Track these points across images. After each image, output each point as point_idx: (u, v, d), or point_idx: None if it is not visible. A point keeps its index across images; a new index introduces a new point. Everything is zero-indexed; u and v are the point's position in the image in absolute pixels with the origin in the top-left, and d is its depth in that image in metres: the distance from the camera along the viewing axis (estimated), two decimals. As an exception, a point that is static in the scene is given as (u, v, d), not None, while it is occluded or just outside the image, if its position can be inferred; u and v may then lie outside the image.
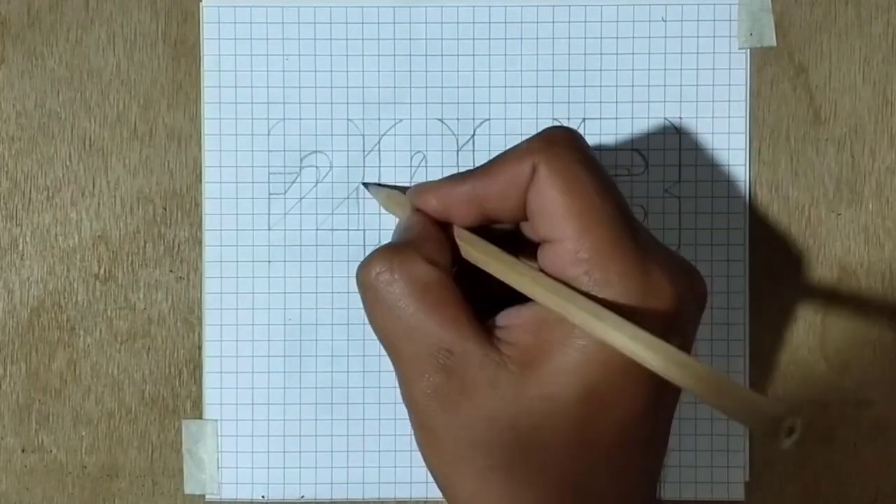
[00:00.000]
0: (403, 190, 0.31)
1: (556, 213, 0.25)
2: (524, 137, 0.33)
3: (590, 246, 0.25)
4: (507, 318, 0.26)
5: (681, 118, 0.33)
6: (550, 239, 0.25)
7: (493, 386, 0.25)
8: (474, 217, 0.27)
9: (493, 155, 0.30)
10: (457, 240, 0.28)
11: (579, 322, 0.24)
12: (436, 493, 0.33)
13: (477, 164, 0.33)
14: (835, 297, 0.33)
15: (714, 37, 0.33)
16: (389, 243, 0.27)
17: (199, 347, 0.33)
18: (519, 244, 0.28)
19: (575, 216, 0.25)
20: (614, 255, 0.24)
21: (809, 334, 0.33)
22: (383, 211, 0.33)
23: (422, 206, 0.28)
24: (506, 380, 0.25)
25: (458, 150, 0.33)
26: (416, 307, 0.26)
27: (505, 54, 0.33)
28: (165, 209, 0.33)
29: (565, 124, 0.33)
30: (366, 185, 0.33)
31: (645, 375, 0.24)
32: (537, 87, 0.33)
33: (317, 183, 0.33)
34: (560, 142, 0.26)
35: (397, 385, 0.27)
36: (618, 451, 0.26)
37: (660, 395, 0.26)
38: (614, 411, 0.25)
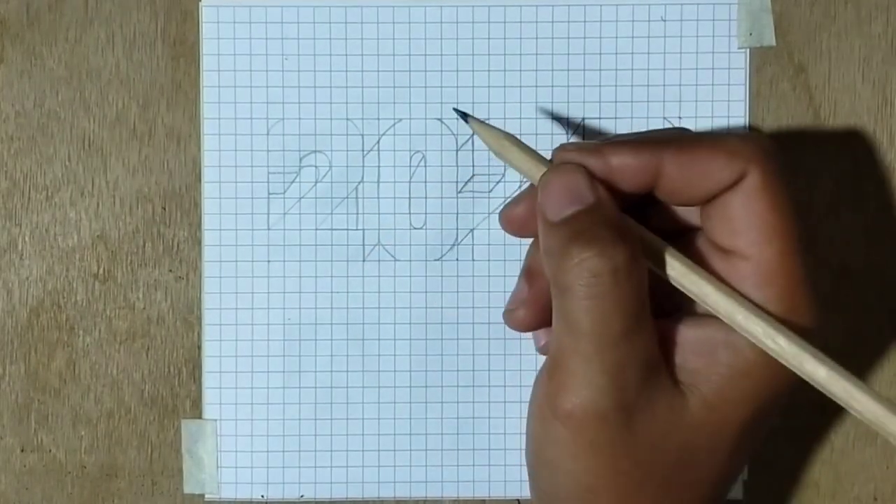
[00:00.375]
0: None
1: (761, 229, 0.24)
2: (524, 137, 0.33)
3: (786, 274, 0.24)
4: (676, 336, 0.25)
5: (680, 118, 0.33)
6: (741, 253, 0.24)
7: (671, 408, 0.24)
8: (641, 188, 0.25)
9: (493, 155, 0.29)
10: (667, 257, 0.25)
11: (783, 354, 0.23)
12: (435, 493, 0.33)
13: (476, 164, 0.33)
14: (835, 297, 0.33)
15: (714, 36, 0.33)
16: (618, 233, 0.24)
17: (199, 347, 0.33)
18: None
19: (779, 240, 0.24)
20: (804, 288, 0.24)
21: (809, 334, 0.33)
22: (384, 210, 0.33)
23: (590, 166, 0.25)
24: (681, 403, 0.24)
25: (457, 150, 0.33)
26: (640, 310, 0.24)
27: (505, 54, 0.33)
28: (165, 209, 0.33)
29: (565, 124, 0.33)
30: (465, 115, 0.29)
31: (773, 410, 0.24)
32: (537, 87, 0.33)
33: (316, 182, 0.33)
34: (772, 154, 0.25)
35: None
36: (744, 461, 0.26)
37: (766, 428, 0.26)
38: (762, 429, 0.25)
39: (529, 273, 0.29)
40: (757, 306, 0.24)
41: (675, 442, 0.24)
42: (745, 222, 0.24)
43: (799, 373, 0.24)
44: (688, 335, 0.25)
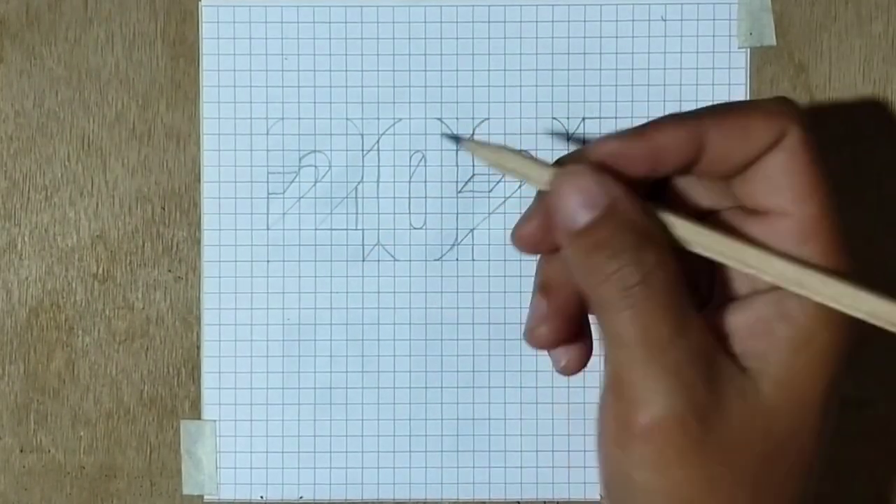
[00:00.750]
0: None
1: (800, 187, 0.23)
2: (524, 137, 0.33)
3: (828, 227, 0.23)
4: (727, 324, 0.24)
5: (680, 118, 0.33)
6: (780, 210, 0.24)
7: (744, 397, 0.23)
8: (686, 160, 0.24)
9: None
10: (671, 227, 0.24)
11: (840, 299, 0.23)
12: (435, 494, 0.33)
13: (476, 165, 0.33)
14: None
15: (714, 36, 0.33)
16: (636, 232, 0.23)
17: (198, 347, 0.33)
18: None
19: (819, 196, 0.23)
20: (844, 242, 0.24)
21: (809, 334, 0.33)
22: (384, 210, 0.33)
23: (619, 153, 0.24)
24: (753, 389, 0.23)
25: (457, 150, 0.33)
26: (681, 309, 0.23)
27: (504, 54, 0.33)
28: (164, 209, 0.33)
29: (565, 124, 0.33)
30: (457, 139, 0.29)
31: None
32: (537, 86, 0.33)
33: (315, 182, 0.33)
34: (803, 115, 0.24)
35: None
36: (825, 442, 0.25)
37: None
38: (836, 401, 0.24)
39: (545, 287, 0.27)
40: (803, 261, 0.23)
41: (757, 432, 0.24)
42: (786, 179, 0.24)
43: (859, 314, 0.23)
44: (739, 320, 0.24)
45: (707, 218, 0.26)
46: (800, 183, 0.24)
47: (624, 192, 0.24)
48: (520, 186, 0.33)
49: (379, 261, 0.33)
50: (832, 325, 0.23)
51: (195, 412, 0.34)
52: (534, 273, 0.26)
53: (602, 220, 0.23)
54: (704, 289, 0.26)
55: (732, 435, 0.24)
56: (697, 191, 0.26)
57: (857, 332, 0.24)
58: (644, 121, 0.33)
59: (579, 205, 0.24)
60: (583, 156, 0.25)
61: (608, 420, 0.24)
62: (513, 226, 0.26)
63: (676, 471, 0.24)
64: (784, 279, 0.24)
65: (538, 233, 0.26)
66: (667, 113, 0.30)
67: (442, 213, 0.33)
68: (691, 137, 0.24)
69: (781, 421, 0.24)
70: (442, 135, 0.33)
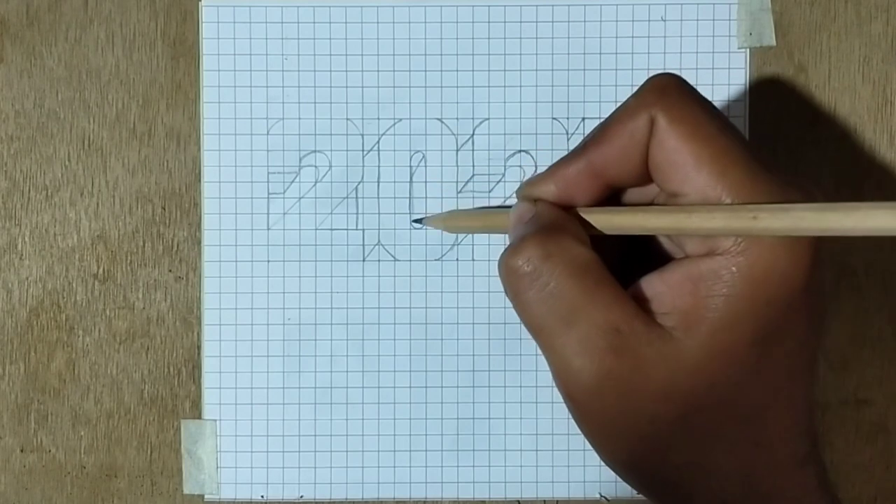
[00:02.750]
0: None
1: (685, 162, 0.24)
2: (524, 137, 0.33)
3: (730, 189, 0.23)
4: (652, 287, 0.25)
5: (680, 118, 0.33)
6: (682, 192, 0.24)
7: (666, 357, 0.24)
8: (598, 191, 0.26)
9: (493, 154, 0.30)
10: (586, 217, 0.26)
11: (790, 226, 0.22)
12: (435, 493, 0.33)
13: (476, 164, 0.33)
14: (835, 297, 0.33)
15: (714, 36, 0.33)
16: (532, 231, 0.25)
17: (198, 347, 0.33)
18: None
19: (707, 162, 0.24)
20: (757, 192, 0.23)
21: (809, 334, 0.33)
22: (384, 210, 0.33)
23: (539, 195, 0.27)
24: (675, 350, 0.24)
25: (457, 150, 0.33)
26: (579, 289, 0.24)
27: (504, 54, 0.33)
28: (164, 209, 0.33)
29: (565, 124, 0.33)
30: (419, 221, 0.33)
31: (806, 303, 0.24)
32: (537, 86, 0.33)
33: (316, 182, 0.33)
34: (673, 89, 0.25)
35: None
36: (790, 383, 0.25)
37: (819, 319, 0.25)
38: (784, 345, 0.24)
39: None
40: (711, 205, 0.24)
41: (684, 388, 0.24)
42: (669, 163, 0.24)
43: (780, 232, 0.23)
44: (667, 280, 0.25)
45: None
46: (680, 163, 0.24)
47: (544, 204, 0.26)
48: (520, 187, 0.33)
49: (379, 261, 0.33)
50: (757, 279, 0.24)
51: (196, 412, 0.34)
52: None
53: (515, 226, 0.27)
54: (657, 261, 0.27)
55: (656, 395, 0.24)
56: (646, 190, 0.27)
57: (797, 283, 0.24)
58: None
59: (518, 226, 0.27)
60: (522, 194, 0.28)
61: (556, 370, 0.26)
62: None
63: (610, 432, 0.25)
64: (690, 227, 0.24)
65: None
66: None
67: (442, 213, 0.33)
68: (583, 172, 0.26)
69: (709, 375, 0.24)
70: (412, 221, 0.33)
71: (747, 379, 0.24)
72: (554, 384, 0.26)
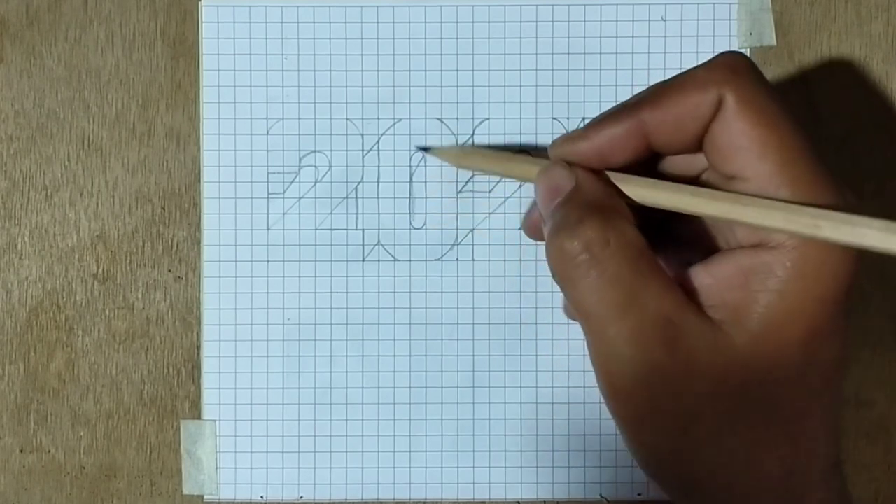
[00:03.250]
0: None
1: (750, 147, 0.23)
2: (524, 137, 0.33)
3: (792, 182, 0.23)
4: (700, 279, 0.25)
5: (680, 118, 0.33)
6: (741, 176, 0.24)
7: (715, 352, 0.24)
8: (638, 153, 0.25)
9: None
10: (625, 187, 0.25)
11: (852, 240, 0.22)
12: (435, 494, 0.33)
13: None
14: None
15: (714, 36, 0.33)
16: (587, 212, 0.24)
17: (198, 347, 0.33)
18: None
19: (773, 151, 0.23)
20: (817, 190, 0.23)
21: (810, 334, 0.33)
22: (384, 210, 0.33)
23: (575, 153, 0.26)
24: (725, 344, 0.24)
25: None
26: (635, 277, 0.24)
27: (504, 54, 0.33)
28: (164, 209, 0.33)
29: (565, 124, 0.33)
30: (425, 149, 0.32)
31: (847, 304, 0.23)
32: (537, 86, 0.33)
33: (316, 182, 0.33)
34: (745, 71, 0.24)
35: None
36: (827, 386, 0.24)
37: (849, 324, 0.25)
38: (828, 346, 0.24)
39: None
40: (769, 198, 0.23)
41: (734, 382, 0.24)
42: (733, 146, 0.24)
43: (833, 239, 0.23)
44: (718, 272, 0.24)
45: (697, 183, 0.26)
46: (747, 146, 0.24)
47: (585, 174, 0.25)
48: (520, 186, 0.33)
49: (379, 261, 0.33)
50: (809, 276, 0.23)
51: (195, 412, 0.34)
52: (550, 274, 0.26)
53: (563, 202, 0.25)
54: (700, 245, 0.26)
55: (705, 388, 0.24)
56: (685, 159, 0.26)
57: (844, 284, 0.24)
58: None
59: (551, 194, 0.26)
60: (553, 152, 0.27)
61: (596, 379, 0.25)
62: (519, 221, 0.26)
63: (653, 426, 0.24)
64: (750, 220, 0.23)
65: (539, 221, 0.27)
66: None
67: (442, 213, 0.33)
68: (631, 130, 0.25)
69: (758, 372, 0.24)
70: (417, 147, 0.33)
71: (794, 378, 0.24)
72: (593, 371, 0.25)
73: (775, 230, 0.23)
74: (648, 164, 0.27)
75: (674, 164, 0.27)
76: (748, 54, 0.33)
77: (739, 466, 0.24)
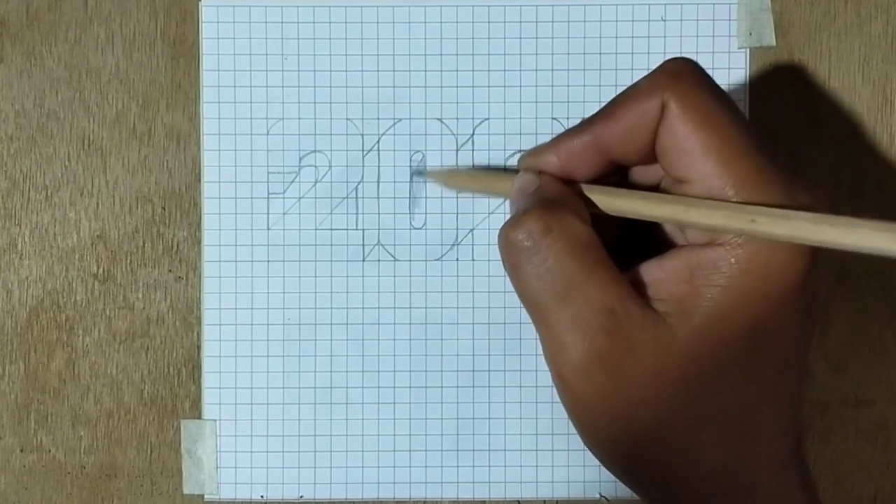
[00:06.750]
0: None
1: (693, 150, 0.24)
2: (524, 137, 0.33)
3: (735, 180, 0.24)
4: (650, 273, 0.25)
5: (680, 118, 0.33)
6: (688, 178, 0.24)
7: (658, 342, 0.24)
8: (599, 166, 0.26)
9: (493, 154, 0.30)
10: (588, 194, 0.26)
11: (787, 233, 0.23)
12: (435, 494, 0.33)
13: (476, 164, 0.33)
14: (835, 298, 0.33)
15: (713, 36, 0.33)
16: (534, 204, 0.26)
17: (198, 347, 0.33)
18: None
19: (714, 151, 0.24)
20: (761, 186, 0.24)
21: (809, 334, 0.33)
22: (384, 210, 0.33)
23: (542, 166, 0.27)
24: (667, 335, 0.24)
25: (457, 150, 0.33)
26: (577, 267, 0.24)
27: (504, 54, 0.33)
28: (164, 209, 0.33)
29: (565, 124, 0.33)
30: (421, 174, 0.33)
31: (801, 301, 0.24)
32: (537, 86, 0.33)
33: (316, 182, 0.33)
34: (687, 74, 0.25)
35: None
36: (779, 381, 0.25)
37: (812, 320, 0.25)
38: (777, 342, 0.24)
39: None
40: (716, 199, 0.24)
41: (676, 375, 0.24)
42: (677, 149, 0.24)
43: (773, 237, 0.23)
44: (666, 266, 0.25)
45: (657, 191, 0.27)
46: (689, 149, 0.24)
47: (548, 178, 0.26)
48: (522, 157, 0.33)
49: (379, 261, 0.33)
50: (755, 273, 0.24)
51: (195, 412, 0.34)
52: None
53: (517, 198, 0.27)
54: (658, 247, 0.27)
55: (646, 380, 0.24)
56: (648, 169, 0.27)
57: (793, 281, 0.24)
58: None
59: (520, 198, 0.27)
60: (524, 165, 0.28)
61: (547, 348, 0.26)
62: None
63: (596, 414, 0.25)
64: (687, 221, 0.24)
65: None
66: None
67: (442, 213, 0.33)
68: (587, 145, 0.26)
69: (700, 365, 0.24)
70: (413, 172, 0.33)
71: (738, 372, 0.24)
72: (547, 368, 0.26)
73: (718, 229, 0.24)
74: (620, 177, 0.28)
75: (639, 174, 0.27)
76: (748, 54, 0.33)
77: (684, 458, 0.25)
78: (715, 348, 0.24)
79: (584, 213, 0.26)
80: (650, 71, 0.25)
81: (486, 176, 0.31)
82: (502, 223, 0.33)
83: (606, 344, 0.24)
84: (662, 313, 0.24)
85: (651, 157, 0.26)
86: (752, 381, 0.25)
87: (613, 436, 0.25)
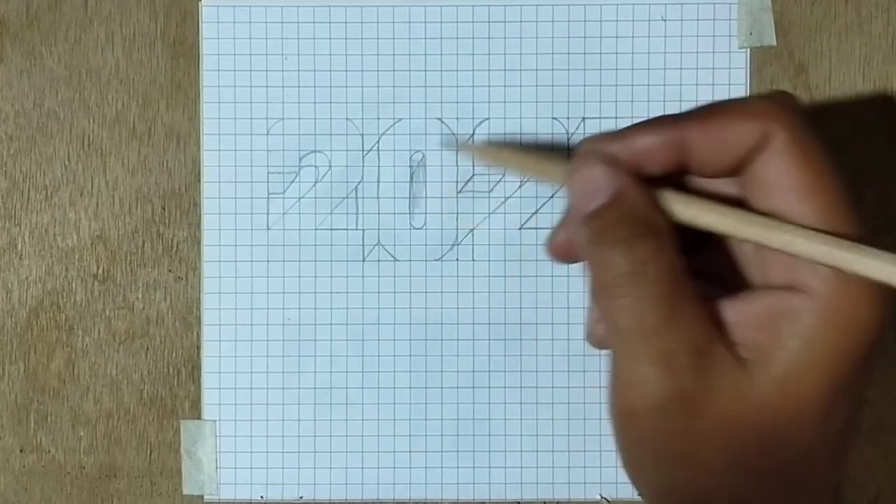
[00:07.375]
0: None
1: (792, 188, 0.23)
2: (524, 137, 0.33)
3: (829, 226, 0.23)
4: (729, 314, 0.24)
5: (680, 118, 0.33)
6: (779, 213, 0.24)
7: (738, 388, 0.23)
8: (668, 166, 0.25)
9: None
10: (677, 206, 0.25)
11: (879, 275, 0.22)
12: (435, 494, 0.33)
13: (476, 165, 0.33)
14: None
15: (714, 36, 0.33)
16: (631, 228, 0.24)
17: (198, 347, 0.33)
18: None
19: (817, 194, 0.23)
20: (852, 233, 0.23)
21: (810, 334, 0.33)
22: (384, 210, 0.33)
23: (609, 158, 0.25)
24: (748, 382, 0.23)
25: (457, 150, 0.33)
26: (673, 300, 0.23)
27: (504, 54, 0.33)
28: (164, 209, 0.33)
29: (565, 124, 0.33)
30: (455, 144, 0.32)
31: (872, 361, 0.23)
32: (537, 86, 0.33)
33: (316, 182, 0.33)
34: (794, 109, 0.24)
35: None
36: (841, 444, 0.24)
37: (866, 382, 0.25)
38: (848, 399, 0.24)
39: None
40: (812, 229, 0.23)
41: (750, 423, 0.24)
42: (777, 183, 0.24)
43: (870, 275, 0.23)
44: (746, 311, 0.24)
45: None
46: (790, 186, 0.23)
47: (630, 182, 0.24)
48: (520, 186, 0.33)
49: (379, 261, 0.33)
50: (839, 327, 0.23)
51: (195, 412, 0.34)
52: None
53: (606, 209, 0.24)
54: (723, 278, 0.26)
55: (721, 425, 0.24)
56: (710, 183, 0.26)
57: (871, 336, 0.23)
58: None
59: (588, 193, 0.25)
60: (584, 150, 0.26)
61: (609, 397, 0.25)
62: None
63: (661, 453, 0.24)
64: (792, 247, 0.23)
65: (568, 241, 0.27)
66: (665, 113, 0.30)
67: (442, 213, 0.33)
68: (671, 143, 0.24)
69: (779, 417, 0.24)
70: (443, 135, 0.33)
71: (809, 427, 0.24)
72: (607, 394, 0.25)
73: (820, 260, 0.23)
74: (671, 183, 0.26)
75: (700, 186, 0.26)
76: (748, 54, 0.33)
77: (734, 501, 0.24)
78: (794, 403, 0.23)
79: (674, 235, 0.24)
80: (759, 94, 0.24)
81: (535, 158, 0.28)
82: (502, 223, 0.33)
83: (691, 384, 0.23)
84: (744, 360, 0.24)
85: (726, 174, 0.25)
86: (819, 436, 0.24)
87: (674, 477, 0.25)
